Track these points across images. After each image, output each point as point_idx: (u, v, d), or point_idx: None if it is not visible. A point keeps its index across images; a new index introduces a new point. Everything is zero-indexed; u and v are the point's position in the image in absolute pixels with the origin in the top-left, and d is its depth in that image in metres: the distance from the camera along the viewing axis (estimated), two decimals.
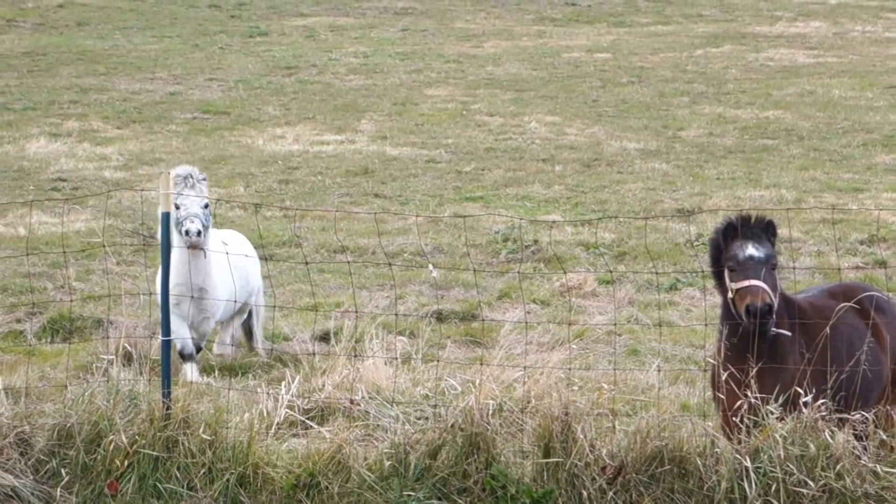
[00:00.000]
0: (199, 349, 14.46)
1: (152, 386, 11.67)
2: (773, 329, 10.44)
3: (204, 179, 13.81)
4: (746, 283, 10.35)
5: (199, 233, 13.31)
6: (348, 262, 18.17)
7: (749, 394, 10.45)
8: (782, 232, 11.18)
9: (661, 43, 42.35)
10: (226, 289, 14.25)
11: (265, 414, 11.85)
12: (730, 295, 10.50)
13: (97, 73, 37.35)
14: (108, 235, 20.13)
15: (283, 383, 12.59)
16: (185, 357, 13.82)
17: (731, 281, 10.47)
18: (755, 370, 10.45)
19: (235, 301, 14.45)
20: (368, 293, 17.36)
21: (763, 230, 10.61)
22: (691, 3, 50.28)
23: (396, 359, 13.32)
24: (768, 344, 10.48)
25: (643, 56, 40.04)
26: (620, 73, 37.29)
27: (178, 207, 13.35)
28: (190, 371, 13.70)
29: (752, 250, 10.46)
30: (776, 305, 10.39)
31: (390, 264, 17.91)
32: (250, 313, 15.50)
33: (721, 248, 10.65)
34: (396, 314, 15.60)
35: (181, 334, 13.66)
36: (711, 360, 11.35)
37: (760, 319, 10.27)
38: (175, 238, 13.25)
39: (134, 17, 46.36)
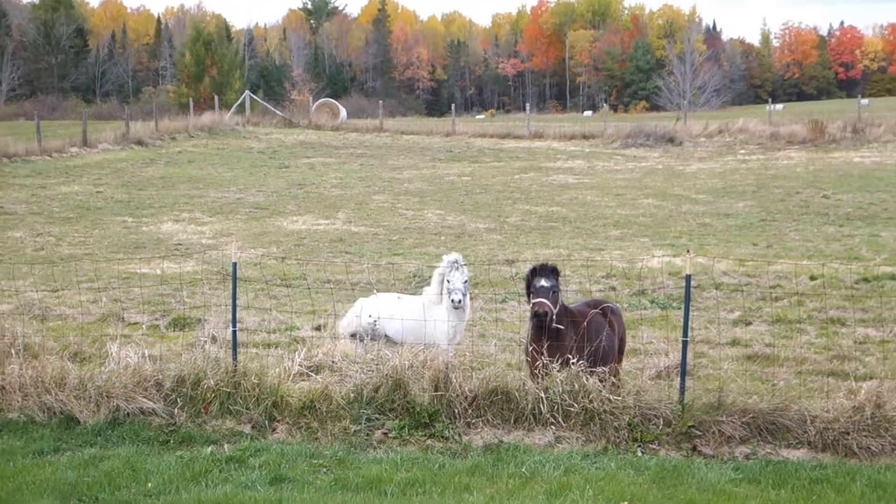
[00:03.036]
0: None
1: (226, 354, 11.55)
2: (555, 325, 10.50)
3: (464, 265, 12.45)
4: (538, 300, 10.40)
5: (459, 301, 12.14)
6: (331, 288, 18.09)
7: (543, 358, 10.49)
8: (562, 272, 11.27)
9: (497, 172, 42.47)
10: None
11: (287, 368, 11.74)
12: (531, 306, 10.55)
13: (198, 187, 37.05)
14: (204, 274, 20.00)
15: (296, 352, 12.49)
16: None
17: (532, 299, 10.52)
18: (546, 346, 10.49)
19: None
20: (342, 304, 17.25)
21: (551, 271, 10.65)
22: (511, 151, 50.50)
23: (357, 339, 13.25)
24: (553, 332, 10.52)
25: (487, 178, 40.11)
26: (475, 188, 37.31)
27: (448, 282, 12.24)
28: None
29: (543, 282, 10.49)
30: (555, 312, 10.44)
31: (353, 289, 17.85)
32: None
33: (529, 281, 10.69)
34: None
35: (450, 352, 12.01)
36: (524, 340, 11.41)
37: (542, 319, 10.34)
38: (445, 295, 12.29)
39: (218, 158, 46.15)
